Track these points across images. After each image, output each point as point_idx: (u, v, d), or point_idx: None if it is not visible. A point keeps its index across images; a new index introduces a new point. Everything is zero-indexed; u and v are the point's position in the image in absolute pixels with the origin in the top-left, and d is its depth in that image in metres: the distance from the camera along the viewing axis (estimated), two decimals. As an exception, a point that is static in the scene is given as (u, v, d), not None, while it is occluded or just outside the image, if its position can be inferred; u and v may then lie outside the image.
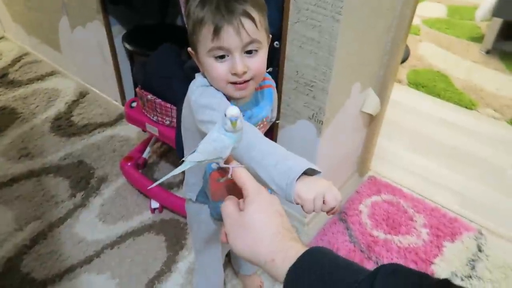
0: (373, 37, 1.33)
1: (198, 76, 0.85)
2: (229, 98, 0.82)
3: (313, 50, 1.16)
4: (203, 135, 0.79)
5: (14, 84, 2.48)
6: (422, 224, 1.65)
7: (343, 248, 1.54)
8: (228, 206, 0.53)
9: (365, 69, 1.41)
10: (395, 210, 1.71)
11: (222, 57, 0.75)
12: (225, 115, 0.56)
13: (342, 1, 1.03)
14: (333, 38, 1.10)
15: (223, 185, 0.92)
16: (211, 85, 0.81)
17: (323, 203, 0.62)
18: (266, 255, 0.47)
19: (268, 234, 0.48)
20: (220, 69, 0.76)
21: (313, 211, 0.62)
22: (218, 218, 1.01)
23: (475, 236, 1.61)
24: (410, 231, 1.62)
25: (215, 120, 0.73)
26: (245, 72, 0.76)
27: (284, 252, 0.46)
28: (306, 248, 0.46)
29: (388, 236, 1.60)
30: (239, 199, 0.93)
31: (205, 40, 0.75)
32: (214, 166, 0.89)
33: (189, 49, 0.82)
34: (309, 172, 0.65)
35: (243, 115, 0.85)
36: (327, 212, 0.63)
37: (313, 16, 1.11)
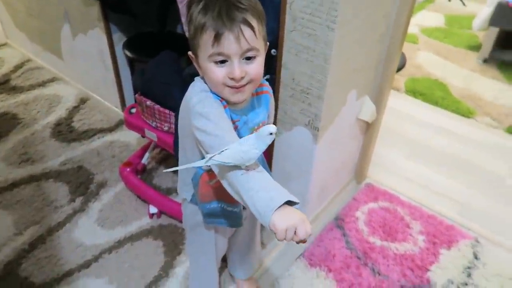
0: (368, 45, 1.35)
1: (197, 80, 0.88)
2: (227, 103, 0.84)
3: (309, 58, 1.19)
4: (194, 137, 0.82)
5: (16, 90, 2.51)
6: (419, 231, 1.66)
7: (340, 254, 1.55)
8: None
9: (361, 77, 1.43)
10: (392, 217, 1.72)
11: (221, 62, 0.78)
12: (271, 133, 0.72)
13: (336, 10, 1.06)
14: (328, 47, 1.12)
15: (212, 187, 0.94)
16: (210, 91, 0.84)
17: (295, 234, 0.66)
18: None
19: None
20: (218, 73, 0.79)
21: (285, 240, 0.66)
22: (207, 221, 1.02)
23: (472, 244, 1.62)
24: (407, 238, 1.63)
25: (208, 131, 0.77)
26: (242, 77, 0.79)
27: None
28: None
29: (384, 243, 1.60)
30: (226, 201, 0.97)
31: (206, 45, 0.77)
32: (204, 168, 0.92)
33: (190, 53, 0.85)
34: (289, 203, 0.69)
35: (239, 120, 0.87)
36: (297, 242, 0.68)
37: (309, 25, 1.13)
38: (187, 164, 0.82)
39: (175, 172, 1.90)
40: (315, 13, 1.11)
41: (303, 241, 0.67)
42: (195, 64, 0.86)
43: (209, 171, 0.91)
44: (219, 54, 0.77)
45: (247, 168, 0.74)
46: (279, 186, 0.73)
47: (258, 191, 0.70)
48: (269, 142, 0.74)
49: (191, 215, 1.06)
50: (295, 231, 0.66)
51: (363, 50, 1.33)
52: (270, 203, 0.67)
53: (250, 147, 0.72)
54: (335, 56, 1.16)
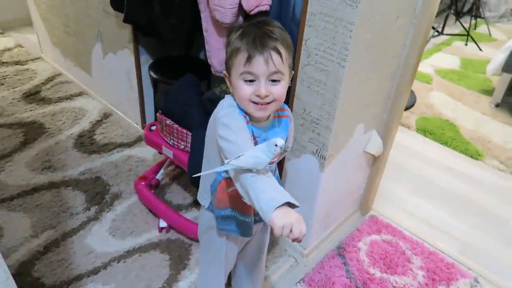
0: (377, 82, 1.44)
1: (227, 97, 1.00)
2: (250, 119, 0.96)
3: (320, 91, 1.28)
4: (217, 145, 0.93)
5: (45, 101, 2.66)
6: (419, 266, 1.69)
7: (339, 282, 1.59)
8: None
9: (369, 112, 1.51)
10: (393, 250, 1.75)
11: (250, 81, 0.91)
12: (276, 145, 0.81)
13: (347, 50, 1.15)
14: (338, 82, 1.21)
15: (229, 194, 1.02)
16: (237, 106, 0.96)
17: (290, 232, 0.74)
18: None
19: None
20: (246, 90, 0.92)
21: (281, 235, 0.75)
22: (219, 227, 1.09)
23: (471, 283, 1.64)
24: (407, 272, 1.66)
25: (230, 139, 0.89)
26: (267, 96, 0.91)
27: None
28: None
29: (384, 275, 1.64)
30: (239, 210, 1.05)
31: (238, 65, 0.91)
32: (223, 175, 1.01)
33: (224, 72, 0.99)
34: (290, 205, 0.78)
35: (259, 136, 0.98)
36: (292, 240, 0.76)
37: (321, 61, 1.23)
38: (210, 170, 0.94)
39: (186, 189, 1.98)
40: (328, 50, 1.20)
41: (298, 240, 0.75)
42: (227, 82, 0.98)
43: (227, 179, 1.00)
44: (249, 73, 0.90)
45: (258, 172, 0.84)
46: (283, 189, 0.82)
47: (264, 191, 0.80)
48: (275, 153, 0.83)
49: (207, 221, 1.14)
50: (291, 230, 0.74)
51: (372, 87, 1.42)
52: (272, 202, 0.76)
53: (261, 153, 0.82)
54: (345, 91, 1.24)
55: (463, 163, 2.36)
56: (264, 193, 0.79)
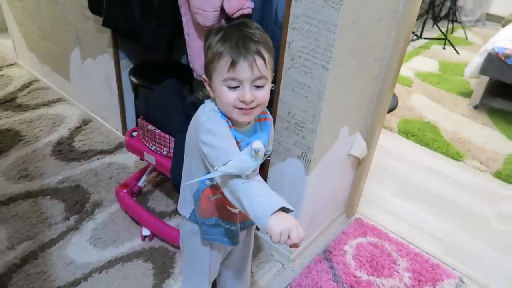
0: (361, 85, 1.44)
1: (207, 102, 0.97)
2: (232, 124, 0.93)
3: (304, 94, 1.27)
4: (200, 152, 0.90)
5: (21, 108, 2.58)
6: (405, 268, 1.69)
7: (326, 286, 1.57)
8: None
9: (353, 115, 1.51)
10: (379, 252, 1.75)
11: (234, 87, 0.88)
12: (251, 147, 0.78)
13: (331, 52, 1.14)
14: (322, 84, 1.21)
15: (213, 203, 1.00)
16: (219, 111, 0.93)
17: (288, 237, 0.72)
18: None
19: None
20: (230, 96, 0.88)
21: (279, 242, 0.72)
22: (204, 237, 1.06)
23: (456, 283, 1.65)
24: (393, 274, 1.66)
25: (215, 144, 0.86)
26: (252, 101, 0.88)
27: None
28: None
29: (371, 278, 1.63)
30: (224, 218, 1.02)
31: (221, 70, 0.87)
32: (207, 183, 0.98)
33: (203, 76, 0.95)
34: (284, 210, 0.76)
35: (242, 141, 0.95)
36: (290, 246, 0.73)
37: (305, 64, 1.22)
38: (196, 178, 0.90)
39: (169, 196, 1.94)
40: (311, 53, 1.19)
41: (296, 246, 0.73)
42: (207, 86, 0.95)
43: (212, 187, 0.97)
44: (233, 79, 0.87)
45: (248, 178, 0.81)
46: (276, 194, 0.80)
47: (257, 197, 0.78)
48: (255, 156, 0.80)
49: (189, 232, 1.10)
50: (289, 235, 0.71)
51: (355, 89, 1.42)
52: (267, 208, 0.74)
53: (246, 156, 0.80)
54: (329, 94, 1.24)
55: (445, 164, 2.40)
56: (258, 199, 0.77)
